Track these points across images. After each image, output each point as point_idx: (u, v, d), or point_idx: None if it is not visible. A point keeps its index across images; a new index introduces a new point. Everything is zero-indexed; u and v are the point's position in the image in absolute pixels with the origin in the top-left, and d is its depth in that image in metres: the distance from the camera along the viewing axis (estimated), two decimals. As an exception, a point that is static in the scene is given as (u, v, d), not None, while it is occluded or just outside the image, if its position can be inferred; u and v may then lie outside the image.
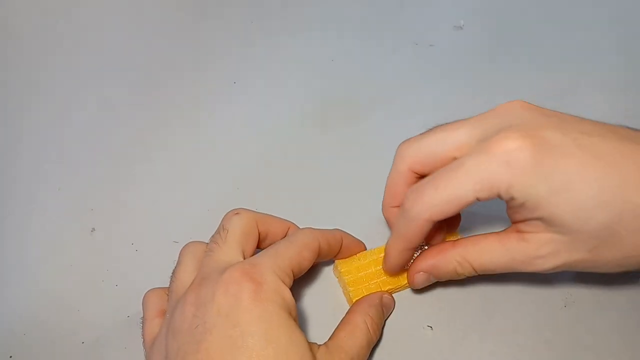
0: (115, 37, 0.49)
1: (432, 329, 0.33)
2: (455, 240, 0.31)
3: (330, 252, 0.32)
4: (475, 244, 0.29)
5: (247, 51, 0.48)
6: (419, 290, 0.34)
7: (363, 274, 0.33)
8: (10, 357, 0.32)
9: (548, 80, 0.45)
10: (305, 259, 0.29)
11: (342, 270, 0.33)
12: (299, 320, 0.32)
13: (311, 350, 0.26)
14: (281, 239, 0.32)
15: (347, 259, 0.34)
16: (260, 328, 0.24)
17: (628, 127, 0.27)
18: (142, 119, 0.43)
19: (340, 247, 0.33)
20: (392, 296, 0.33)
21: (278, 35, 0.49)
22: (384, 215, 0.33)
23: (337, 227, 0.33)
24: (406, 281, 0.33)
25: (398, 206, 0.31)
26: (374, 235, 0.35)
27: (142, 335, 0.29)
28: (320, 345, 0.28)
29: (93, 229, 0.37)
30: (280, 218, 0.32)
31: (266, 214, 0.31)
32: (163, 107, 0.44)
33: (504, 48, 0.48)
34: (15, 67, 0.47)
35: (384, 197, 0.32)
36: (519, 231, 0.28)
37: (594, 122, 0.27)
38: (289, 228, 0.32)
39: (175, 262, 0.30)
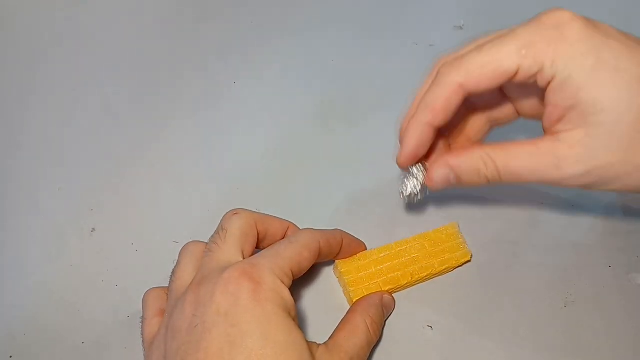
0: (115, 37, 0.49)
1: (432, 329, 0.33)
2: (483, 144, 0.29)
3: (330, 253, 0.32)
4: (504, 146, 0.27)
5: (247, 51, 0.48)
6: (419, 290, 0.34)
7: (363, 274, 0.33)
8: (10, 357, 0.32)
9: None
10: (305, 260, 0.29)
11: (343, 270, 0.33)
12: (300, 320, 0.32)
13: (310, 349, 0.26)
14: (280, 238, 0.32)
15: (347, 259, 0.34)
16: (259, 328, 0.24)
17: None
18: (142, 119, 0.43)
19: (341, 248, 0.33)
20: (392, 296, 0.33)
21: (278, 35, 0.49)
22: (401, 125, 0.30)
23: (337, 227, 0.33)
24: (407, 281, 0.33)
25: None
26: (374, 235, 0.35)
27: (142, 334, 0.29)
28: (320, 344, 0.28)
29: (93, 229, 0.37)
30: (279, 218, 0.32)
31: (265, 214, 0.31)
32: (163, 107, 0.44)
33: (504, 48, 0.48)
34: (15, 68, 0.47)
35: (415, 116, 0.28)
36: (553, 134, 0.26)
37: None
38: (288, 228, 0.32)
39: (175, 262, 0.30)
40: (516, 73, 0.25)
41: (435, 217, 0.37)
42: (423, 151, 0.29)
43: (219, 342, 0.24)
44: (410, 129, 0.28)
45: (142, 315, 0.30)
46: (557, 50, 0.24)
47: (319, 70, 0.46)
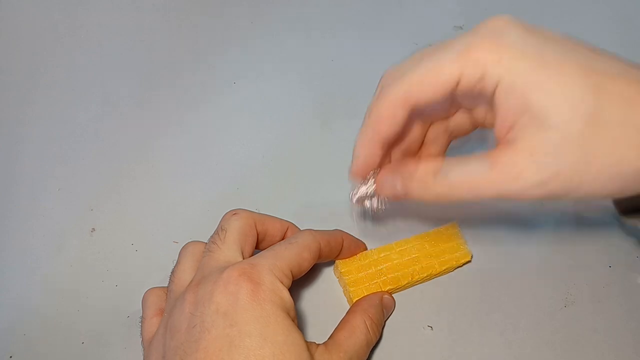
0: (115, 38, 0.49)
1: (432, 329, 0.33)
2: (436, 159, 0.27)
3: (330, 253, 0.32)
4: (459, 158, 0.26)
5: (247, 51, 0.48)
6: (419, 291, 0.34)
7: (363, 274, 0.33)
8: (11, 357, 0.32)
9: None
10: (305, 260, 0.29)
11: (343, 270, 0.33)
12: (299, 320, 0.32)
13: (309, 349, 0.26)
14: (280, 239, 0.32)
15: (347, 259, 0.34)
16: (258, 327, 0.24)
17: None
18: (142, 119, 0.43)
19: (341, 248, 0.33)
20: (392, 296, 0.33)
21: (278, 35, 0.49)
22: (355, 150, 0.28)
23: (338, 227, 0.33)
24: (407, 281, 0.33)
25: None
26: (374, 235, 0.35)
27: (141, 333, 0.29)
28: (319, 344, 0.28)
29: (93, 229, 0.38)
30: (278, 218, 0.32)
31: (264, 214, 0.31)
32: (163, 107, 0.44)
33: (504, 48, 0.48)
34: (15, 68, 0.47)
35: (363, 130, 0.28)
36: (507, 143, 0.24)
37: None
38: (287, 228, 0.32)
39: (175, 262, 0.30)
40: (459, 82, 0.24)
41: (435, 217, 0.37)
42: (373, 163, 0.28)
43: (218, 342, 0.24)
44: (359, 142, 0.28)
45: (141, 314, 0.30)
46: (498, 54, 0.23)
47: (319, 70, 0.46)
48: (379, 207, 0.30)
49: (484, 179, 0.25)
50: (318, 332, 0.31)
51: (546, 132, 0.23)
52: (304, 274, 0.29)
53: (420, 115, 0.28)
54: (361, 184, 0.30)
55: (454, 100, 0.28)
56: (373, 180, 0.29)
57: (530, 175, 0.24)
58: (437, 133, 0.31)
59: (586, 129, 0.23)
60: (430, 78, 0.24)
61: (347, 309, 0.32)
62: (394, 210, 0.38)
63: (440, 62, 0.24)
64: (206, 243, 0.30)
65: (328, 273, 0.35)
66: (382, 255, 0.34)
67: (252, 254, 0.29)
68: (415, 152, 0.32)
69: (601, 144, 0.23)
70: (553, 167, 0.24)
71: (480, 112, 0.29)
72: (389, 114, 0.25)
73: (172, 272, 0.30)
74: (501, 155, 0.24)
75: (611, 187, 0.24)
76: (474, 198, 0.25)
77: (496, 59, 0.23)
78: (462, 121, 0.30)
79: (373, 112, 0.26)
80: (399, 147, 0.30)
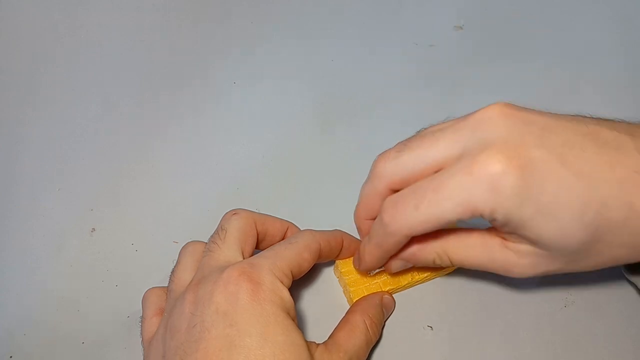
0: (114, 38, 0.49)
1: (432, 329, 0.33)
2: (437, 231, 0.29)
3: (331, 253, 0.32)
4: (457, 239, 0.29)
5: (247, 51, 0.48)
6: (419, 290, 0.34)
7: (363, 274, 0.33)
8: (11, 357, 0.32)
9: (548, 80, 0.45)
10: (305, 260, 0.29)
11: (343, 270, 0.33)
12: (299, 320, 0.32)
13: (309, 349, 0.26)
14: (280, 239, 0.32)
15: (347, 259, 0.34)
16: (258, 327, 0.24)
17: (609, 120, 0.27)
18: (142, 120, 0.43)
19: (341, 248, 0.33)
20: (392, 296, 0.33)
21: (278, 36, 0.49)
22: (355, 223, 0.32)
23: (337, 228, 0.33)
24: (407, 281, 0.33)
25: (372, 218, 0.30)
26: (374, 235, 0.35)
27: (141, 333, 0.29)
28: (319, 344, 0.28)
29: (93, 229, 0.38)
30: (279, 218, 0.32)
31: (265, 214, 0.31)
32: (163, 107, 0.44)
33: (504, 48, 0.48)
34: (15, 68, 0.47)
35: (357, 208, 0.31)
36: (501, 237, 0.27)
37: (575, 126, 0.26)
38: (287, 228, 0.32)
39: (175, 262, 0.30)
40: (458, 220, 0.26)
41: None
42: (381, 265, 0.31)
43: (218, 342, 0.24)
44: (368, 257, 0.30)
45: (141, 314, 0.30)
46: (494, 206, 0.24)
47: (319, 70, 0.46)
48: None
49: (479, 263, 0.28)
50: (318, 332, 0.31)
51: (535, 249, 0.26)
52: (304, 274, 0.29)
53: None
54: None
55: None
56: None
57: (518, 272, 0.27)
58: None
59: (576, 252, 0.26)
60: (431, 223, 0.26)
61: (347, 309, 0.32)
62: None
63: (438, 211, 0.25)
64: (206, 243, 0.30)
65: (328, 273, 0.35)
66: (382, 255, 0.34)
67: (252, 254, 0.29)
68: None
69: (587, 258, 0.26)
70: (539, 269, 0.27)
71: None
72: (395, 244, 0.28)
73: (172, 272, 0.30)
74: (494, 247, 0.28)
75: (603, 267, 0.27)
76: (472, 269, 0.29)
77: (492, 211, 0.24)
78: None
79: (380, 242, 0.28)
80: None
